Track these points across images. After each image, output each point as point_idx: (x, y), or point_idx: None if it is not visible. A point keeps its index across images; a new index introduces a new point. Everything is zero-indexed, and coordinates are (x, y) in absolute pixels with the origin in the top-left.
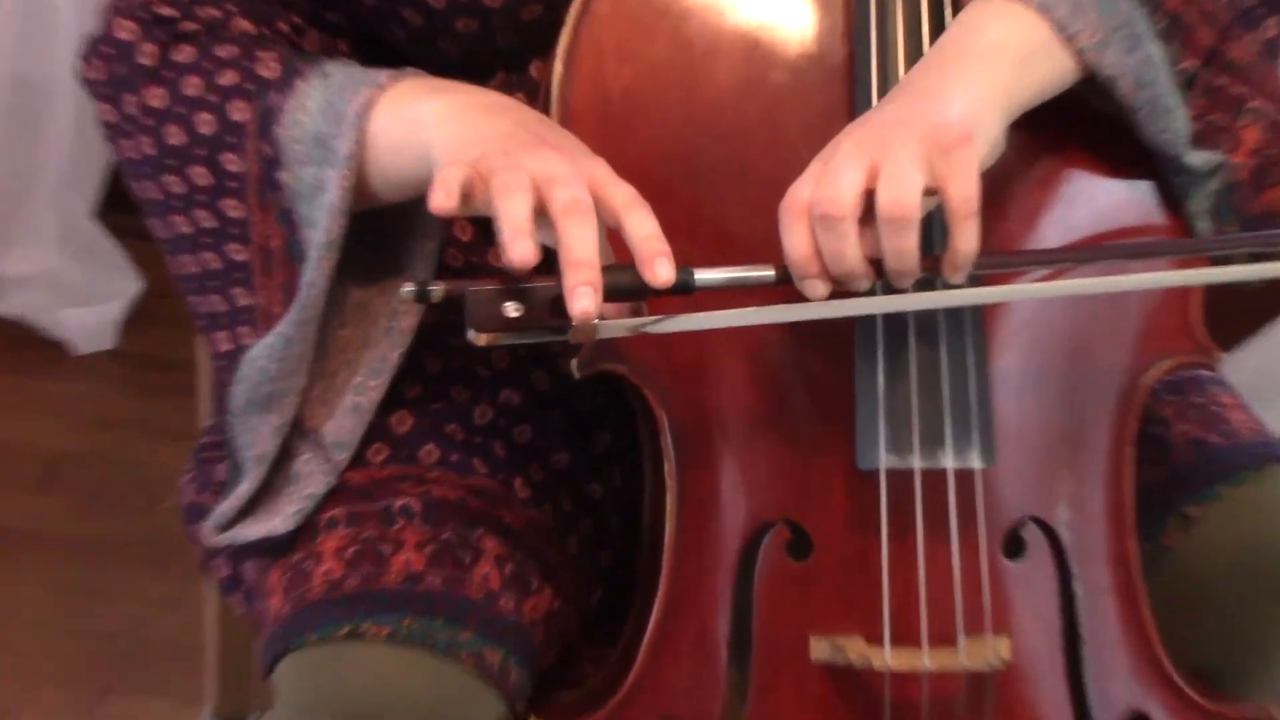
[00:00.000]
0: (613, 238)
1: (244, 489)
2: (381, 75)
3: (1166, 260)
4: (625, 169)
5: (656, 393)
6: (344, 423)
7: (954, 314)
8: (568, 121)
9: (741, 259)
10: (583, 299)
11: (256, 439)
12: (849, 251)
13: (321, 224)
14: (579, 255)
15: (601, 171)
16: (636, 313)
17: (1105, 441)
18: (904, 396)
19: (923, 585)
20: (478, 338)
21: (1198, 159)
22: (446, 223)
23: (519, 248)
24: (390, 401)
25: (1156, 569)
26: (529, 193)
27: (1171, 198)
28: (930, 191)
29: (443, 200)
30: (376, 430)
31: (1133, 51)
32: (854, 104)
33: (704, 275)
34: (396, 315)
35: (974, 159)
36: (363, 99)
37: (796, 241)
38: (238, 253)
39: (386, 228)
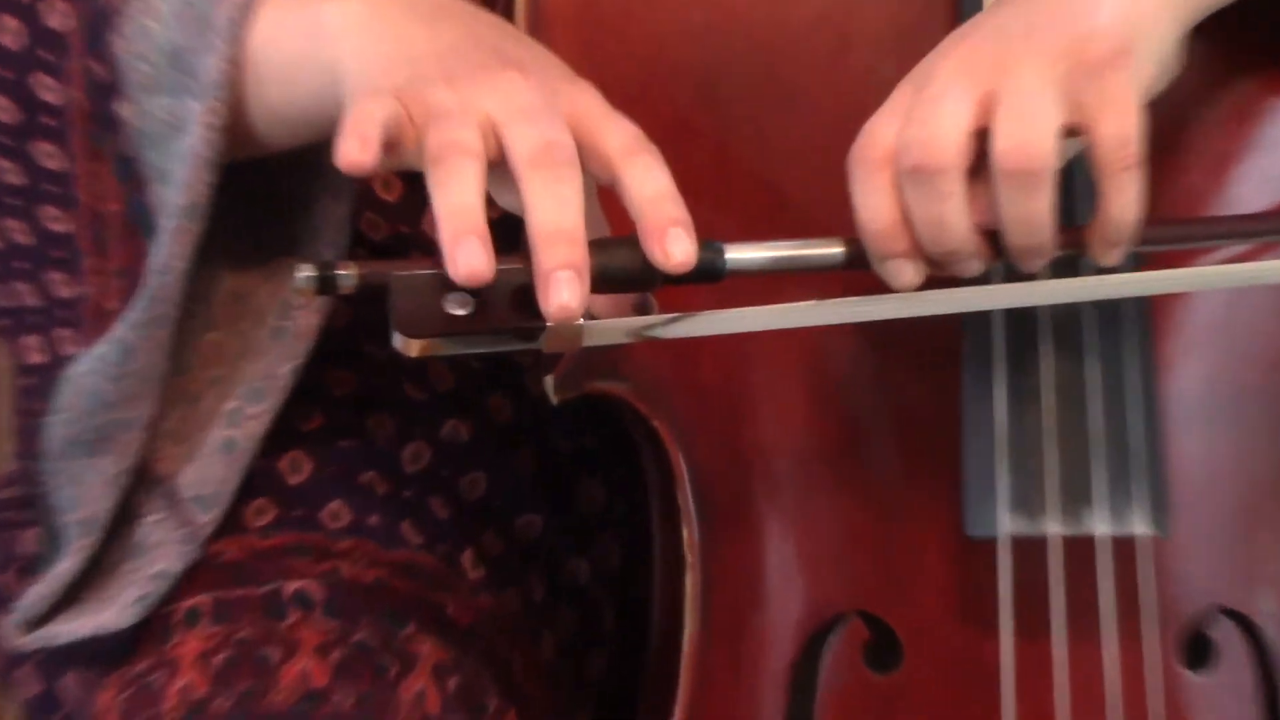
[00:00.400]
0: (607, 198)
1: (64, 567)
2: None
3: None
4: (624, 100)
5: (672, 426)
6: (211, 468)
7: (1110, 313)
8: (540, 29)
9: (793, 230)
10: (561, 289)
11: (83, 495)
12: (952, 219)
13: (179, 179)
14: (556, 225)
15: (587, 102)
16: (641, 309)
17: None
18: (1035, 434)
19: (1063, 705)
20: (408, 345)
21: None
22: (364, 179)
23: (465, 255)
24: (279, 439)
25: None
26: (478, 157)
27: None
28: (1072, 131)
29: (356, 152)
30: (259, 480)
31: None
32: (959, 4)
33: (738, 254)
34: (289, 312)
35: (1134, 83)
36: None
37: (877, 205)
38: (55, 221)
39: (276, 186)
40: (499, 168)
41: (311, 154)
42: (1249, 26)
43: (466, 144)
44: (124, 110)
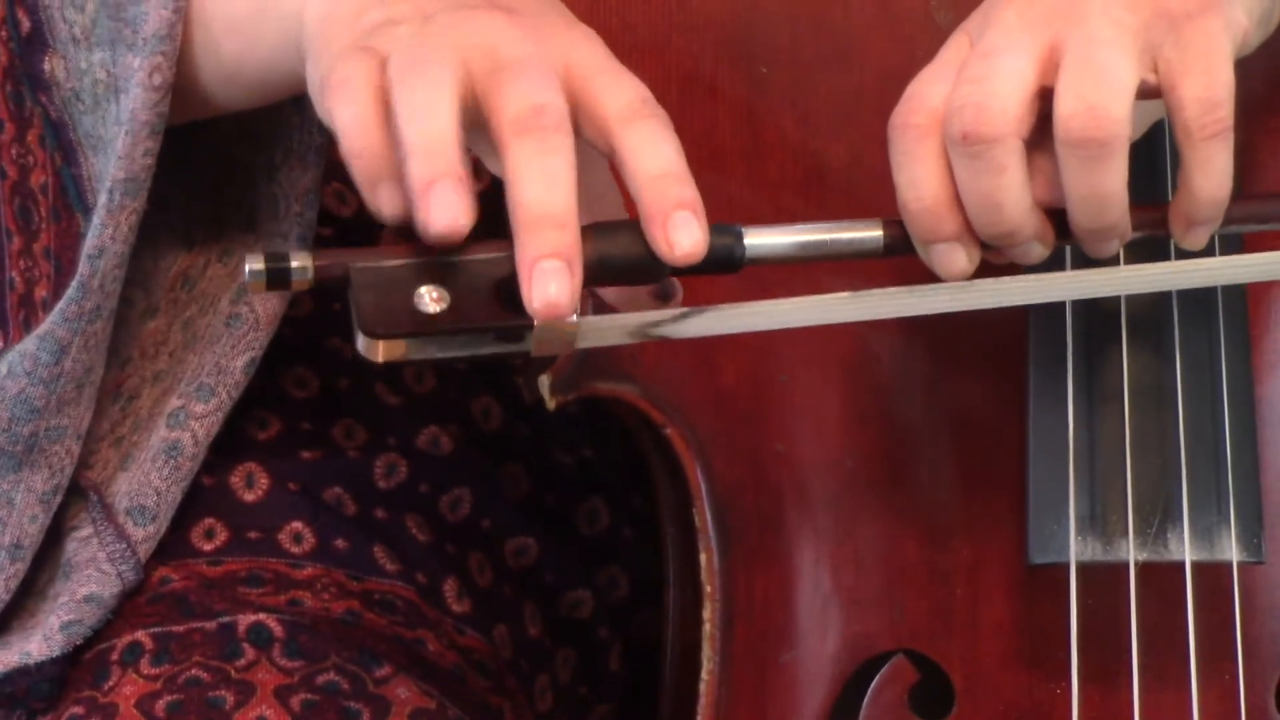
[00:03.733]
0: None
1: None
2: None
3: None
4: (637, 58)
5: (689, 434)
6: (150, 475)
7: (1197, 305)
8: None
9: (834, 210)
10: (547, 282)
11: (10, 516)
12: (1010, 195)
13: (117, 148)
14: (541, 206)
15: (586, 52)
16: (662, 295)
17: None
18: (1111, 446)
19: None
20: (373, 348)
21: None
22: (328, 144)
23: (439, 203)
24: (232, 448)
25: None
26: (454, 87)
27: None
28: (1150, 93)
29: (356, 134)
30: (208, 496)
31: None
32: None
33: (760, 239)
34: (246, 296)
35: (1224, 37)
36: None
37: (922, 179)
38: None
39: (229, 151)
40: (481, 129)
41: (269, 117)
42: None
43: (442, 72)
44: (53, 66)
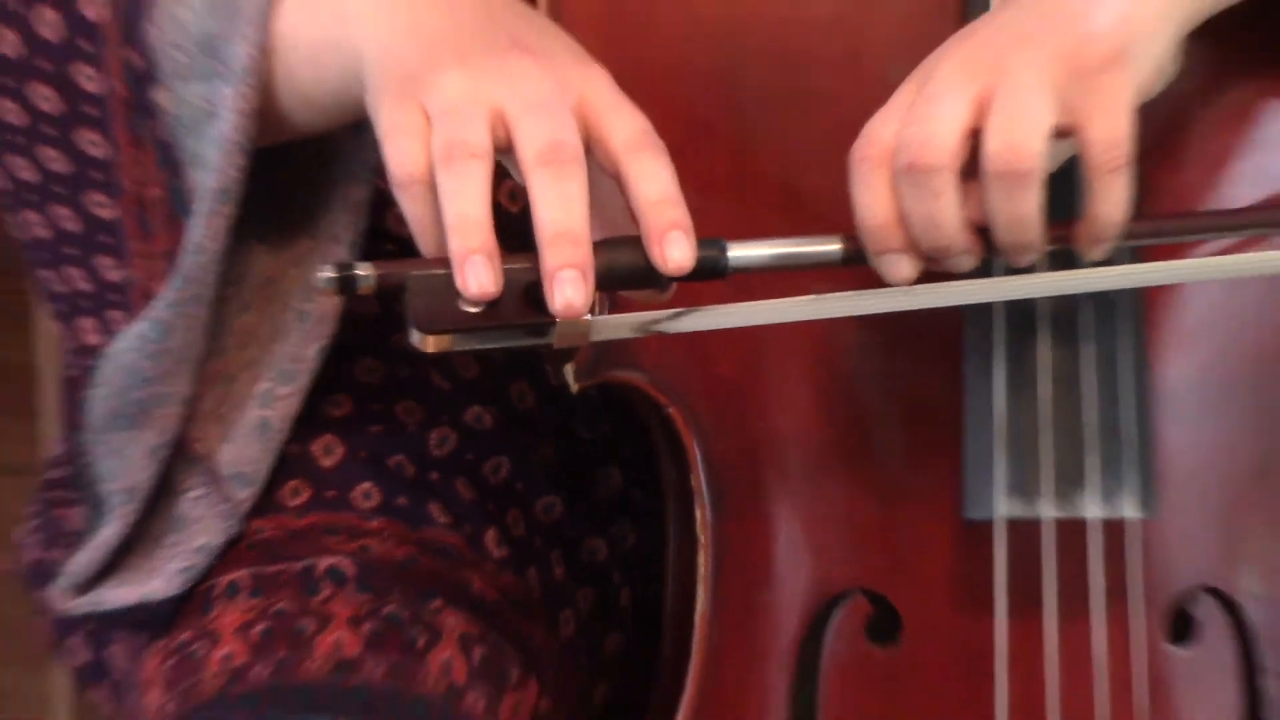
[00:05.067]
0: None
1: (107, 534)
2: None
3: None
4: (641, 95)
5: (687, 413)
6: (247, 447)
7: (1103, 305)
8: (561, 24)
9: (806, 225)
10: (566, 288)
11: (124, 466)
12: (945, 216)
13: (212, 164)
14: (560, 225)
15: (598, 91)
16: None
17: None
18: (1032, 421)
19: (1053, 679)
20: (423, 342)
21: None
22: (381, 166)
23: (474, 275)
24: (312, 424)
25: None
26: (485, 156)
27: None
28: (1064, 133)
29: (403, 175)
30: (293, 463)
31: None
32: (966, 6)
33: (741, 251)
34: (312, 296)
35: (1127, 87)
36: None
37: (873, 202)
38: (102, 207)
39: (303, 170)
40: (511, 153)
41: (335, 138)
42: (1246, 29)
43: (474, 143)
44: (161, 98)
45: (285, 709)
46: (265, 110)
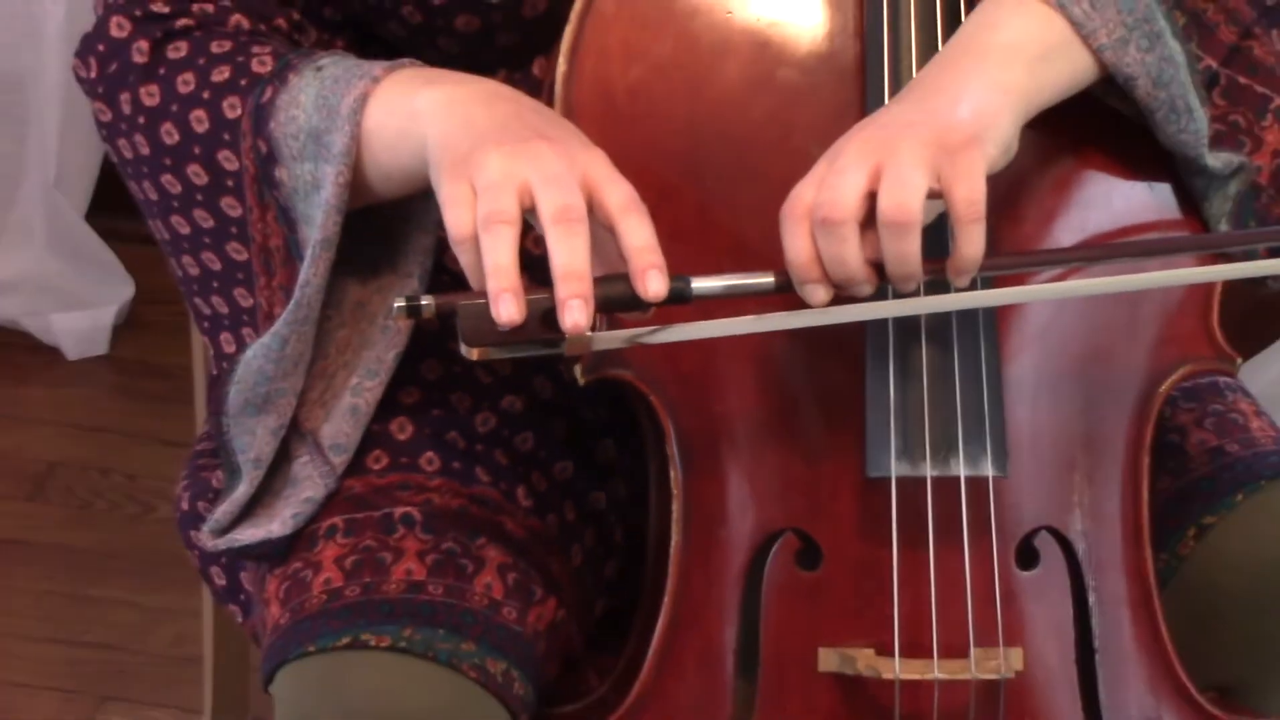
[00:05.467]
0: None
1: (240, 492)
2: (376, 68)
3: (1183, 259)
4: (629, 170)
5: (662, 399)
6: (342, 425)
7: (966, 318)
8: (571, 120)
9: (750, 263)
10: (573, 313)
11: (253, 441)
12: (849, 256)
13: (318, 221)
14: (569, 267)
15: (598, 167)
16: (638, 319)
17: (1121, 449)
18: (916, 402)
19: (934, 596)
20: (470, 352)
21: (1217, 160)
22: (441, 221)
23: (504, 308)
24: (389, 408)
25: (1173, 580)
26: (514, 222)
27: (1191, 201)
28: (936, 194)
29: (458, 234)
30: (376, 438)
31: (1152, 50)
32: (865, 103)
33: (702, 284)
34: (389, 316)
35: (981, 161)
36: (357, 92)
37: (797, 246)
38: (238, 253)
39: (384, 224)
40: (535, 214)
41: (408, 201)
42: (1069, 118)
43: (505, 212)
44: (280, 174)
45: (370, 619)
46: (356, 183)
